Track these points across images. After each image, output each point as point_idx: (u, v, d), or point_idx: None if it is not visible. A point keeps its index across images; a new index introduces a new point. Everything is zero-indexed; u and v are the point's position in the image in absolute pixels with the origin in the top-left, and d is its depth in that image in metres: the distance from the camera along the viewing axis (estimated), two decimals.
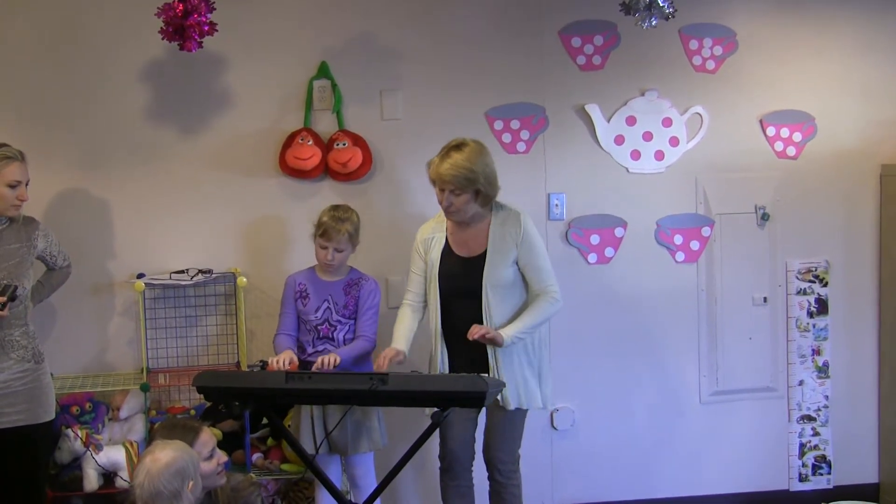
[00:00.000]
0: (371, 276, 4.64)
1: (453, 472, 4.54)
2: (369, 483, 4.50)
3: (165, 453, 3.19)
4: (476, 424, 4.55)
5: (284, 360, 4.31)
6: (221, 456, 3.67)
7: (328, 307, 4.53)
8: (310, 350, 4.52)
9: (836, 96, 5.41)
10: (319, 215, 4.54)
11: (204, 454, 3.51)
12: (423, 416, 4.22)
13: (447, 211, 4.33)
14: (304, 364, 4.42)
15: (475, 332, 4.19)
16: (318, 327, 4.52)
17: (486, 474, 4.52)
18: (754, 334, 5.44)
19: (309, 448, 4.42)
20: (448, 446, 4.52)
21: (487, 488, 4.55)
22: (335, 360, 4.28)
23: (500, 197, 4.40)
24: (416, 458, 4.09)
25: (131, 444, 4.60)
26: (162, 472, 3.14)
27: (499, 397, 4.29)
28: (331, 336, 4.51)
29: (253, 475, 4.67)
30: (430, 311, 4.47)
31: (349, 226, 4.49)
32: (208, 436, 3.62)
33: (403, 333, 4.44)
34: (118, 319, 4.97)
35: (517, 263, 4.34)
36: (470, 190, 4.24)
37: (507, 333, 4.24)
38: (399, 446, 4.33)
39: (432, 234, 4.48)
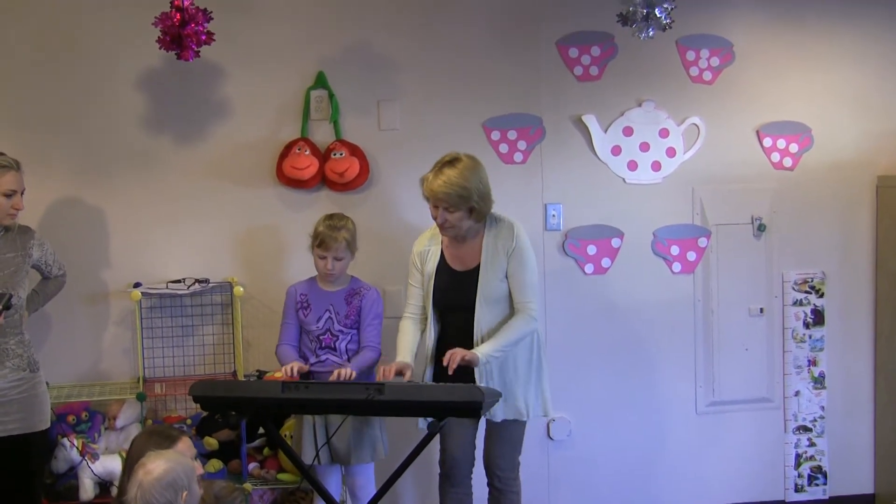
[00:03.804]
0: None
1: (453, 478, 4.53)
2: (369, 493, 4.46)
3: (157, 465, 3.17)
4: (476, 431, 4.55)
5: (293, 368, 4.32)
6: (198, 467, 3.64)
7: (329, 317, 4.52)
8: (312, 360, 4.51)
9: (832, 108, 5.43)
10: (315, 226, 4.53)
11: None
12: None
13: (442, 227, 4.32)
14: (307, 374, 4.41)
15: (448, 360, 4.15)
16: (320, 337, 4.51)
17: (486, 481, 4.52)
18: (750, 345, 5.44)
19: (311, 458, 4.42)
20: (448, 452, 4.52)
21: (487, 495, 4.54)
22: (351, 374, 4.28)
23: (497, 207, 4.40)
24: (414, 465, 4.08)
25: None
26: (154, 485, 3.12)
27: (495, 415, 4.31)
28: (333, 346, 4.50)
29: (249, 485, 4.68)
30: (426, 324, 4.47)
31: (346, 233, 4.47)
32: (186, 446, 3.58)
33: (408, 346, 4.40)
34: (114, 329, 4.96)
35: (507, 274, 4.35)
36: (464, 207, 4.23)
37: (482, 352, 4.21)
38: (397, 455, 4.33)
39: (428, 247, 4.47)
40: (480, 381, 4.25)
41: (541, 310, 4.43)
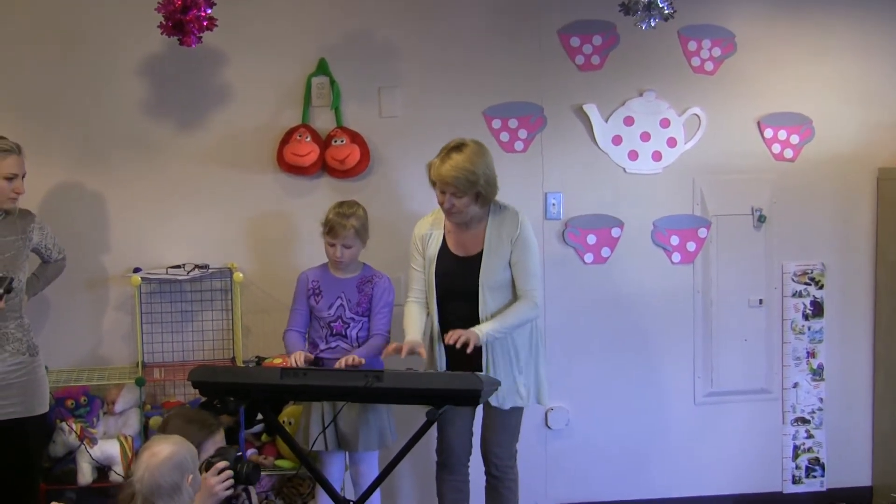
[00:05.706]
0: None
1: (450, 466, 4.54)
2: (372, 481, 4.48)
3: (163, 447, 3.19)
4: (473, 419, 4.54)
5: (299, 358, 4.33)
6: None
7: (341, 304, 4.51)
8: (322, 346, 4.51)
9: (833, 99, 5.42)
10: (326, 213, 4.52)
11: (211, 453, 3.50)
12: (420, 412, 4.22)
13: (448, 213, 4.31)
14: (317, 361, 4.42)
15: (451, 338, 4.16)
16: (331, 324, 4.50)
17: (483, 469, 4.53)
18: (749, 336, 5.45)
19: (319, 444, 4.42)
20: (445, 441, 4.52)
21: (484, 483, 4.55)
22: (360, 362, 4.28)
23: (499, 195, 4.39)
24: (412, 453, 4.10)
25: (126, 438, 4.60)
26: (161, 466, 3.14)
27: (494, 400, 4.31)
28: (344, 333, 4.50)
29: None
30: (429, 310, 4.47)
31: (355, 221, 4.46)
32: (221, 437, 3.60)
33: (416, 326, 4.39)
34: (114, 313, 4.97)
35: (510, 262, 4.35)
36: (471, 192, 4.22)
37: (482, 331, 4.21)
38: (396, 442, 4.33)
39: (430, 231, 4.46)
40: (484, 364, 4.27)
41: (543, 299, 4.42)
